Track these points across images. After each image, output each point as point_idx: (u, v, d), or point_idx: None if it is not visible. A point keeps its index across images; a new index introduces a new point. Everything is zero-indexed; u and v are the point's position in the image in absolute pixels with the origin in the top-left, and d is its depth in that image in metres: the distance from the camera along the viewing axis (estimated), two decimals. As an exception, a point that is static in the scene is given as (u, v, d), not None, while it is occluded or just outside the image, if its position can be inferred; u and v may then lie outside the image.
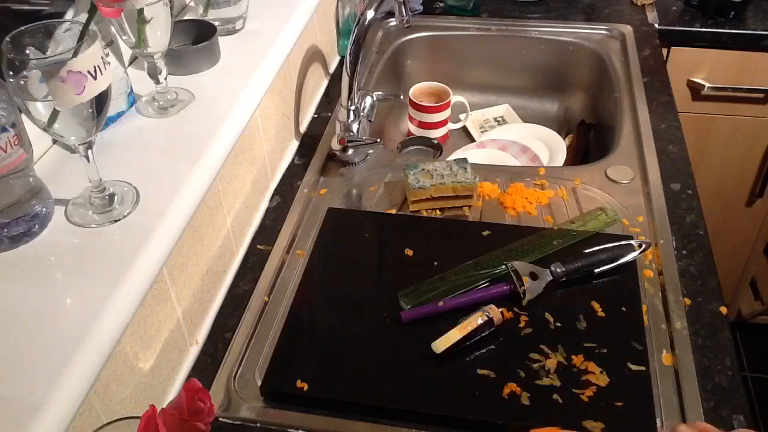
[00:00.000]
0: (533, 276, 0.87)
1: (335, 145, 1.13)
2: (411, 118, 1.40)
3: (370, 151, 1.14)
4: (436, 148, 1.34)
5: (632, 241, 0.92)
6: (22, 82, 0.63)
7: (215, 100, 0.91)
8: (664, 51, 1.51)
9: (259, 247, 0.99)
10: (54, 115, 0.64)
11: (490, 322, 0.81)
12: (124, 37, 0.84)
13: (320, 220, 1.01)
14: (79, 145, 0.68)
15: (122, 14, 0.79)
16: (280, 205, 1.06)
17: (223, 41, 1.02)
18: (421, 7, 1.57)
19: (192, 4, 1.12)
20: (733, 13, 1.50)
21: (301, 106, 1.21)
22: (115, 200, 0.75)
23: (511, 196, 1.04)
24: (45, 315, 0.63)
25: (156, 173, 0.79)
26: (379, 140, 1.12)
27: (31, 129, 0.68)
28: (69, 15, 0.82)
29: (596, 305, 0.86)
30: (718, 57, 1.51)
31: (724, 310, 0.87)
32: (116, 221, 0.73)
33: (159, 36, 0.84)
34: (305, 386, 0.77)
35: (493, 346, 0.81)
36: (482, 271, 0.90)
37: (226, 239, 0.93)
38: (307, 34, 1.19)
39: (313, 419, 0.76)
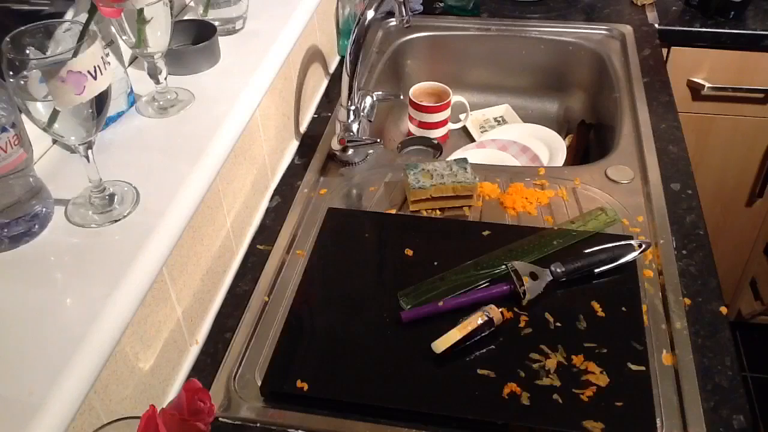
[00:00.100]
0: (533, 276, 0.87)
1: (335, 145, 1.13)
2: (411, 118, 1.40)
3: (370, 151, 1.14)
4: (436, 148, 1.34)
5: (632, 241, 0.92)
6: (22, 82, 0.63)
7: (215, 100, 0.91)
8: (664, 51, 1.51)
9: (259, 247, 0.99)
10: (54, 115, 0.64)
11: (490, 322, 0.81)
12: (124, 37, 0.84)
13: (320, 220, 1.01)
14: (79, 145, 0.68)
15: (122, 14, 0.79)
16: (280, 205, 1.06)
17: (223, 41, 1.02)
18: (421, 7, 1.57)
19: (192, 4, 1.12)
20: (733, 13, 1.50)
21: (301, 106, 1.21)
22: (115, 200, 0.75)
23: (511, 196, 1.04)
24: (45, 315, 0.63)
25: (156, 173, 0.79)
26: (379, 140, 1.12)
27: (31, 129, 0.68)
28: (69, 15, 0.82)
29: (596, 305, 0.86)
30: (718, 57, 1.51)
31: (724, 310, 0.87)
32: (116, 221, 0.73)
33: (159, 36, 0.84)
34: (305, 386, 0.77)
35: (493, 346, 0.81)
36: (482, 271, 0.90)
37: (226, 239, 0.93)
38: (307, 34, 1.19)
39: (313, 419, 0.76)
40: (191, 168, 0.80)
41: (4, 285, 0.66)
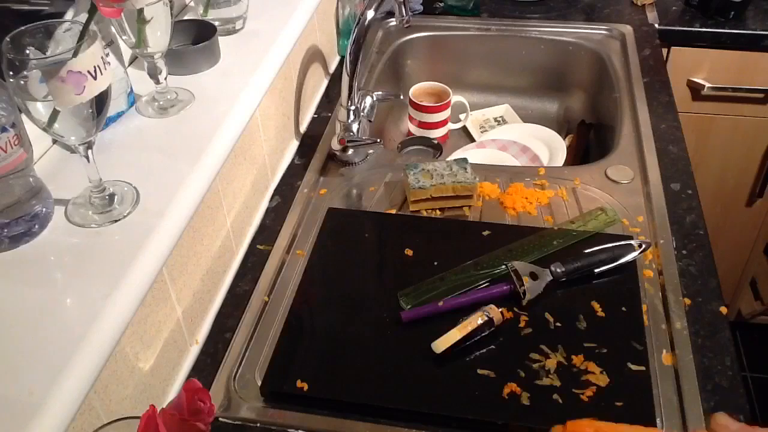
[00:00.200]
0: (533, 276, 0.87)
1: (335, 145, 1.13)
2: (411, 118, 1.40)
3: (370, 151, 1.14)
4: (436, 148, 1.34)
5: (632, 241, 0.92)
6: (22, 82, 0.63)
7: (215, 100, 0.91)
8: (664, 51, 1.51)
9: (259, 247, 0.99)
10: (54, 115, 0.64)
11: (490, 322, 0.81)
12: (124, 37, 0.84)
13: (320, 220, 1.01)
14: (79, 145, 0.68)
15: (122, 14, 0.79)
16: (280, 205, 1.06)
17: (223, 41, 1.02)
18: (421, 7, 1.57)
19: (192, 4, 1.12)
20: (733, 13, 1.50)
21: (301, 106, 1.21)
22: (115, 200, 0.75)
23: (511, 196, 1.04)
24: (45, 315, 0.63)
25: (156, 173, 0.79)
26: (379, 140, 1.12)
27: (31, 129, 0.68)
28: (69, 15, 0.82)
29: (596, 305, 0.86)
30: (718, 57, 1.51)
31: (724, 310, 0.87)
32: (116, 221, 0.73)
33: (159, 36, 0.84)
34: (305, 386, 0.77)
35: (493, 346, 0.81)
36: (482, 271, 0.90)
37: (226, 239, 0.93)
38: (307, 34, 1.19)
39: (313, 419, 0.76)
40: (191, 168, 0.80)
41: (4, 285, 0.66)
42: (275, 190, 1.09)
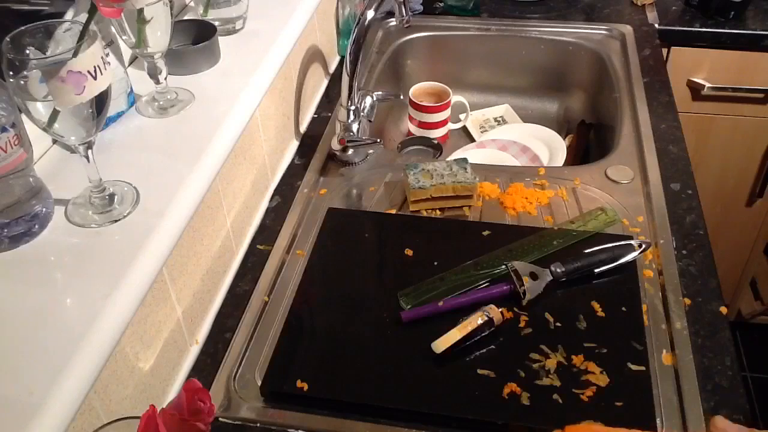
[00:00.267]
0: (533, 276, 0.87)
1: (335, 145, 1.13)
2: (411, 118, 1.40)
3: (370, 151, 1.14)
4: (436, 148, 1.34)
5: (632, 241, 0.92)
6: (22, 82, 0.63)
7: (215, 100, 0.91)
8: (664, 51, 1.51)
9: (259, 247, 0.99)
10: (54, 115, 0.64)
11: (490, 322, 0.81)
12: (124, 37, 0.84)
13: (320, 220, 1.01)
14: (79, 145, 0.68)
15: (122, 14, 0.79)
16: (280, 205, 1.06)
17: (223, 41, 1.02)
18: (421, 7, 1.57)
19: (192, 4, 1.12)
20: (733, 13, 1.50)
21: (301, 106, 1.21)
22: (115, 200, 0.75)
23: (511, 196, 1.04)
24: (45, 315, 0.63)
25: (156, 173, 0.79)
26: (379, 140, 1.12)
27: (31, 129, 0.68)
28: (69, 15, 0.82)
29: (596, 305, 0.86)
30: (718, 57, 1.51)
31: (724, 310, 0.87)
32: (116, 221, 0.73)
33: (159, 36, 0.84)
34: (305, 386, 0.77)
35: (493, 346, 0.81)
36: (482, 271, 0.90)
37: (226, 239, 0.93)
38: (307, 34, 1.19)
39: (313, 419, 0.76)
40: (191, 168, 0.80)
41: (4, 285, 0.66)
42: (275, 190, 1.09)
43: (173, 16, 0.86)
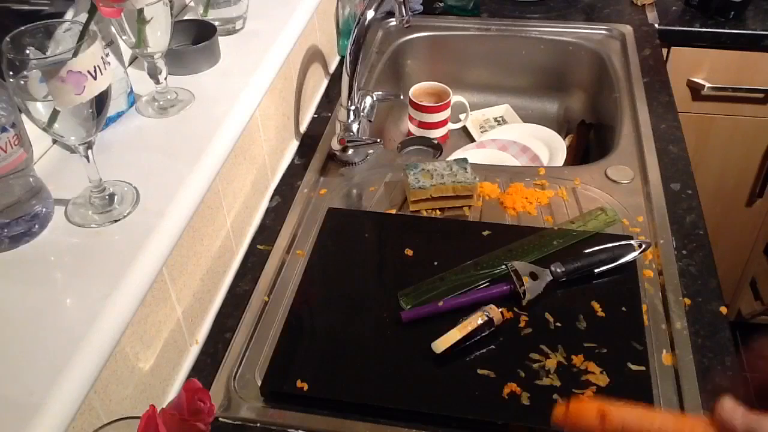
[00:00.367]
0: (533, 276, 0.87)
1: (335, 145, 1.13)
2: (411, 118, 1.40)
3: (370, 151, 1.14)
4: (436, 148, 1.34)
5: (632, 241, 0.92)
6: (22, 82, 0.63)
7: (215, 100, 0.91)
8: (664, 51, 1.51)
9: (259, 247, 0.99)
10: (54, 115, 0.64)
11: (490, 322, 0.81)
12: (124, 37, 0.84)
13: (320, 220, 1.01)
14: (79, 145, 0.68)
15: (122, 14, 0.79)
16: (280, 205, 1.06)
17: (223, 41, 1.02)
18: (421, 7, 1.57)
19: (192, 4, 1.12)
20: (733, 13, 1.50)
21: (301, 106, 1.21)
22: (115, 200, 0.75)
23: (511, 196, 1.04)
24: (45, 315, 0.63)
25: (156, 173, 0.79)
26: (379, 140, 1.12)
27: (31, 129, 0.68)
28: (69, 15, 0.82)
29: (596, 305, 0.86)
30: (718, 57, 1.51)
31: (724, 310, 0.87)
32: (116, 221, 0.73)
33: (159, 36, 0.84)
34: (305, 386, 0.77)
35: (493, 346, 0.81)
36: (482, 271, 0.90)
37: (226, 239, 0.93)
38: (307, 34, 1.19)
39: (313, 419, 0.76)
40: (191, 168, 0.80)
41: (4, 285, 0.66)
42: (275, 190, 1.09)
43: (173, 16, 0.86)
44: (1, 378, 0.58)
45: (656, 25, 1.50)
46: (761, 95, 1.54)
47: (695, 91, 1.56)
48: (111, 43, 0.85)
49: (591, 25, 1.50)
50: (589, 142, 1.39)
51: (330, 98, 1.32)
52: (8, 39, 0.62)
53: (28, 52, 0.65)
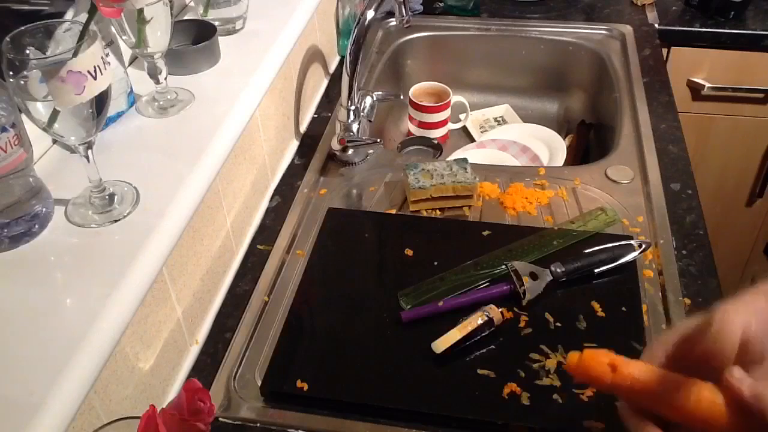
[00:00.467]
0: (533, 276, 0.87)
1: (335, 145, 1.13)
2: (411, 118, 1.40)
3: (370, 151, 1.14)
4: (436, 148, 1.34)
5: (632, 241, 0.92)
6: (22, 82, 0.63)
7: (215, 100, 0.91)
8: (664, 51, 1.51)
9: (259, 247, 0.99)
10: (54, 115, 0.64)
11: (490, 322, 0.81)
12: (124, 37, 0.84)
13: (320, 220, 1.01)
14: (79, 145, 0.68)
15: (122, 14, 0.79)
16: (280, 205, 1.06)
17: (223, 41, 1.02)
18: (421, 7, 1.57)
19: (192, 4, 1.12)
20: (733, 13, 1.50)
21: (301, 106, 1.21)
22: (115, 200, 0.75)
23: (511, 196, 1.04)
24: (45, 315, 0.63)
25: (156, 173, 0.79)
26: (379, 140, 1.12)
27: (31, 129, 0.68)
28: (69, 15, 0.82)
29: (596, 305, 0.86)
30: (718, 57, 1.51)
31: (724, 310, 0.86)
32: (116, 221, 0.73)
33: (159, 36, 0.84)
34: (305, 386, 0.77)
35: (493, 346, 0.81)
36: (482, 271, 0.90)
37: (226, 239, 0.93)
38: (307, 34, 1.19)
39: (313, 419, 0.76)
40: (191, 168, 0.80)
41: (4, 285, 0.66)
42: (275, 190, 1.09)
43: (173, 16, 0.86)
44: (1, 378, 0.58)
45: (656, 25, 1.50)
46: (761, 95, 1.54)
47: (695, 91, 1.56)
48: (111, 43, 0.85)
49: (591, 25, 1.50)
50: (589, 142, 1.39)
51: (330, 98, 1.32)
52: (8, 39, 0.62)
53: (28, 52, 0.65)
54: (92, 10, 0.64)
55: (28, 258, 0.69)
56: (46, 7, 0.83)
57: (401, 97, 1.28)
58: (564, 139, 1.36)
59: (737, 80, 1.53)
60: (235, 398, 0.79)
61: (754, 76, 1.52)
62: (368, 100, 1.17)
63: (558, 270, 0.88)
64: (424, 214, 1.03)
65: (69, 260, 0.69)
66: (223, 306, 0.91)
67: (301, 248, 0.98)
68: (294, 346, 0.83)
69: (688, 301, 0.87)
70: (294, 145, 1.19)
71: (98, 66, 0.63)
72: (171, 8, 0.84)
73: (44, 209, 0.72)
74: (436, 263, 0.92)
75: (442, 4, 1.59)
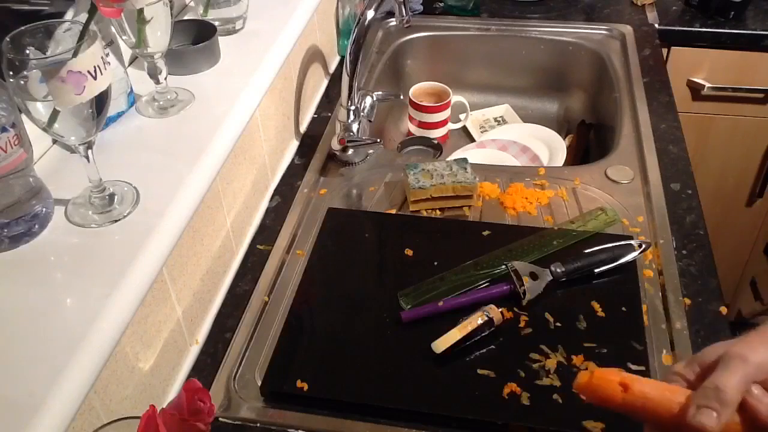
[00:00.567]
0: (533, 276, 0.87)
1: (335, 145, 1.13)
2: (411, 118, 1.40)
3: (370, 151, 1.14)
4: (436, 148, 1.34)
5: (632, 241, 0.92)
6: (22, 82, 0.63)
7: (215, 100, 0.91)
8: (664, 51, 1.51)
9: (259, 247, 0.99)
10: (54, 115, 0.64)
11: (490, 322, 0.81)
12: (124, 37, 0.84)
13: (320, 220, 1.01)
14: (79, 145, 0.68)
15: (122, 14, 0.79)
16: (280, 205, 1.06)
17: (223, 41, 1.02)
18: (421, 7, 1.57)
19: (192, 4, 1.12)
20: (733, 13, 1.50)
21: (301, 106, 1.21)
22: (115, 200, 0.75)
23: (511, 196, 1.04)
24: (45, 315, 0.63)
25: (156, 173, 0.79)
26: (379, 140, 1.12)
27: (31, 129, 0.68)
28: (69, 15, 0.82)
29: (596, 305, 0.86)
30: (718, 57, 1.51)
31: (724, 310, 0.87)
32: (116, 221, 0.73)
33: (159, 36, 0.84)
34: (305, 386, 0.77)
35: (493, 346, 0.81)
36: (482, 271, 0.90)
37: (226, 239, 0.93)
38: (307, 34, 1.19)
39: (313, 419, 0.76)
40: (191, 168, 0.80)
41: (4, 285, 0.66)
42: (275, 190, 1.09)
43: (173, 16, 0.86)
44: (1, 378, 0.58)
45: (656, 25, 1.50)
46: (761, 95, 1.54)
47: (695, 91, 1.56)
48: (111, 43, 0.85)
49: (591, 25, 1.50)
50: (589, 142, 1.39)
51: (330, 98, 1.32)
52: (8, 39, 0.62)
53: (28, 52, 0.65)
54: (92, 10, 0.64)
55: (28, 258, 0.69)
56: (46, 7, 0.83)
57: (401, 97, 1.28)
58: (564, 139, 1.36)
59: (737, 80, 1.53)
60: (235, 398, 0.79)
61: (754, 76, 1.52)
62: (368, 100, 1.17)
63: (558, 270, 0.88)
64: (424, 214, 1.03)
65: (69, 260, 0.69)
66: (223, 306, 0.91)
67: (301, 248, 0.98)
68: (294, 346, 0.83)
69: (688, 301, 0.87)
70: (294, 145, 1.19)
71: (98, 66, 0.63)
72: (171, 8, 0.84)
73: (44, 209, 0.72)
74: (436, 263, 0.92)
75: (442, 4, 1.59)
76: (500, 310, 0.82)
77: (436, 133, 1.38)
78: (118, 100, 0.87)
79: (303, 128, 1.23)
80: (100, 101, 0.66)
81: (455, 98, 1.39)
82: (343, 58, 1.32)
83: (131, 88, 0.90)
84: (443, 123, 1.38)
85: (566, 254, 0.91)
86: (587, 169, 1.11)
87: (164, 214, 0.74)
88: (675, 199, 1.03)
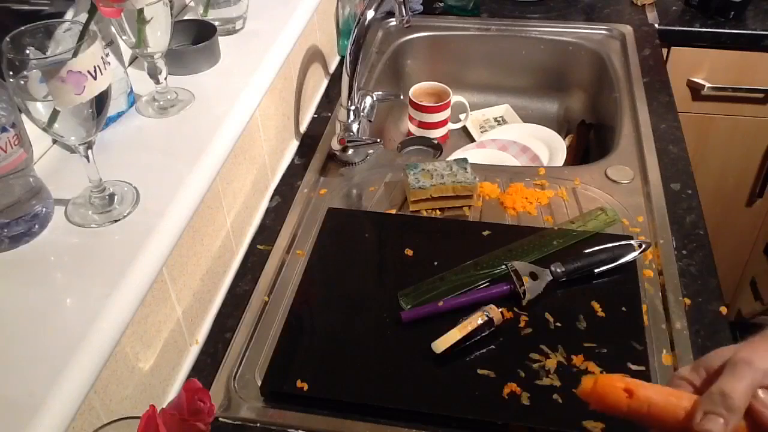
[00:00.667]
0: (533, 276, 0.87)
1: (335, 145, 1.13)
2: (411, 118, 1.40)
3: (370, 151, 1.14)
4: (436, 148, 1.34)
5: (632, 241, 0.92)
6: (22, 82, 0.63)
7: (215, 100, 0.91)
8: (664, 51, 1.51)
9: (259, 247, 0.99)
10: (54, 115, 0.64)
11: (490, 322, 0.81)
12: (124, 37, 0.84)
13: (320, 220, 1.01)
14: (79, 145, 0.68)
15: (122, 14, 0.79)
16: (280, 205, 1.06)
17: (223, 41, 1.02)
18: (421, 7, 1.57)
19: (192, 4, 1.12)
20: (733, 13, 1.50)
21: (301, 106, 1.21)
22: (115, 200, 0.75)
23: (511, 196, 1.04)
24: (45, 315, 0.63)
25: (156, 173, 0.79)
26: (379, 140, 1.12)
27: (31, 129, 0.68)
28: (69, 15, 0.82)
29: (596, 305, 0.86)
30: (718, 57, 1.51)
31: (724, 310, 0.87)
32: (116, 221, 0.73)
33: (159, 36, 0.84)
34: (305, 386, 0.77)
35: (493, 346, 0.81)
36: (482, 271, 0.90)
37: (226, 239, 0.93)
38: (307, 34, 1.19)
39: (313, 419, 0.76)
40: (191, 168, 0.80)
41: (4, 285, 0.66)
42: (275, 190, 1.09)
43: (173, 16, 0.86)
44: (1, 378, 0.58)
45: (656, 25, 1.50)
46: (761, 95, 1.54)
47: (695, 91, 1.56)
48: (111, 43, 0.85)
49: (591, 25, 1.50)
50: (589, 142, 1.39)
51: (330, 98, 1.32)
52: (8, 39, 0.62)
53: (28, 52, 0.65)
54: (92, 10, 0.64)
55: (28, 258, 0.69)
56: (46, 7, 0.83)
57: (401, 97, 1.28)
58: (564, 139, 1.36)
59: (737, 80, 1.53)
60: (235, 398, 0.79)
61: (754, 76, 1.52)
62: (368, 100, 1.17)
63: (558, 270, 0.88)
64: (424, 214, 1.03)
65: (69, 260, 0.69)
66: (223, 306, 0.91)
67: (301, 248, 0.98)
68: (294, 346, 0.83)
69: (688, 301, 0.87)
70: (294, 145, 1.19)
71: (98, 66, 0.63)
72: (171, 8, 0.84)
73: (44, 209, 0.72)
74: (436, 263, 0.92)
75: (442, 4, 1.59)
76: (500, 310, 0.82)
77: (436, 133, 1.38)
78: (118, 100, 0.87)
79: (303, 128, 1.23)
80: (100, 101, 0.66)
81: (455, 98, 1.39)
82: (343, 58, 1.32)
83: (131, 88, 0.90)
84: (443, 123, 1.38)
85: (566, 254, 0.91)
86: (587, 169, 1.11)
87: (164, 214, 0.74)
88: (675, 199, 1.03)
